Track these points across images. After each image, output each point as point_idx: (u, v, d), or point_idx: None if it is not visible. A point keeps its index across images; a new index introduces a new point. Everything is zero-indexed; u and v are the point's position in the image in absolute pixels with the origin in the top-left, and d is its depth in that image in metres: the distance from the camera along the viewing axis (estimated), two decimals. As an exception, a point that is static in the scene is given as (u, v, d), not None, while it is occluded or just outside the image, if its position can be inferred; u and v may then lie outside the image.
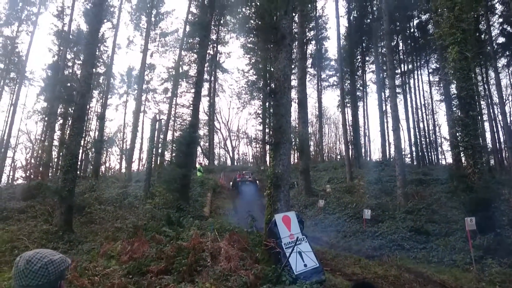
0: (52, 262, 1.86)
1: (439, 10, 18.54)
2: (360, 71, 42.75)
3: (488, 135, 30.27)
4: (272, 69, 38.54)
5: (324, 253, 12.78)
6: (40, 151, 36.74)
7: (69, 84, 31.12)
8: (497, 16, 30.55)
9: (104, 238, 11.63)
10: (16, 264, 1.84)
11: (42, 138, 38.68)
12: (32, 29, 34.48)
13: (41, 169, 27.51)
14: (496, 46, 30.58)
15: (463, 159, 19.26)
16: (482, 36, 30.31)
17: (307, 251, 7.88)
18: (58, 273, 1.88)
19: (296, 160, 36.69)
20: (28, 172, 22.84)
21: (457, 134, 16.38)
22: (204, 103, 42.83)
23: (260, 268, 7.52)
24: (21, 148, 44.15)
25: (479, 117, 24.16)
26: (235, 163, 53.81)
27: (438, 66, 33.66)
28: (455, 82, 16.41)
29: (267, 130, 43.59)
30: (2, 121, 36.41)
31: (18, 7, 34.43)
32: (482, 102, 29.36)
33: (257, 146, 53.59)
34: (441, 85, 31.69)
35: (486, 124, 30.60)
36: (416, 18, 37.03)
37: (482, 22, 29.71)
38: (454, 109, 17.75)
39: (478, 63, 28.50)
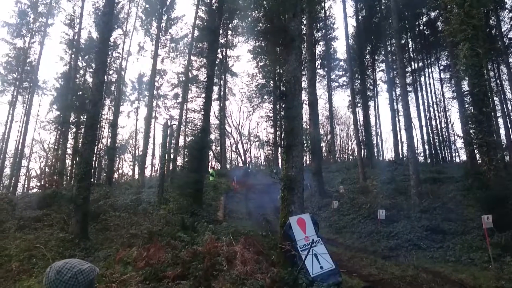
0: (82, 272, 1.90)
1: (449, 7, 18.39)
2: (370, 70, 42.47)
3: (502, 131, 29.82)
4: (281, 71, 38.59)
5: (339, 255, 12.73)
6: (54, 160, 37.13)
7: (81, 93, 31.48)
8: (507, 10, 30.20)
9: (119, 244, 11.68)
10: (47, 275, 1.89)
11: (56, 147, 39.06)
12: (42, 39, 35.04)
13: (55, 177, 27.75)
14: (507, 41, 30.20)
15: (477, 156, 19.04)
16: (493, 32, 30.00)
17: (322, 253, 7.85)
18: (88, 282, 1.93)
19: (308, 162, 36.62)
20: (43, 181, 23.14)
21: (471, 131, 16.21)
22: (214, 107, 42.94)
23: (276, 271, 7.51)
24: (35, 157, 44.91)
25: (493, 113, 23.87)
26: (247, 166, 53.90)
27: (449, 63, 33.26)
28: (467, 79, 16.27)
29: (278, 133, 43.54)
30: (16, 131, 36.89)
31: (30, 18, 34.95)
32: (495, 98, 29.01)
33: (269, 149, 53.57)
34: (453, 82, 31.32)
35: (500, 120, 30.20)
36: (425, 16, 36.69)
37: (492, 17, 29.42)
38: (467, 106, 17.54)
39: (489, 59, 28.19)
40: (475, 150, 17.91)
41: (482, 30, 17.19)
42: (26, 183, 39.89)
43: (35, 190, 26.49)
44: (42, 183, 22.68)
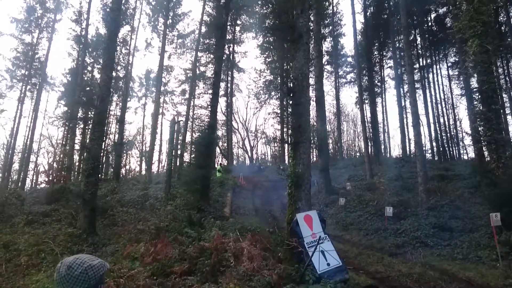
0: (92, 267, 1.92)
1: (458, 3, 18.26)
2: (377, 67, 42.34)
3: (511, 129, 29.60)
4: (289, 68, 38.58)
5: (346, 252, 12.73)
6: (62, 155, 37.33)
7: (88, 89, 31.61)
8: (517, 7, 29.87)
9: (127, 240, 11.75)
10: (58, 270, 1.91)
11: (64, 142, 39.29)
12: (50, 35, 35.22)
13: (63, 173, 27.92)
14: (517, 38, 29.91)
15: (486, 153, 18.92)
16: (502, 28, 29.72)
17: (329, 250, 7.85)
18: (98, 278, 1.95)
19: (315, 159, 36.60)
20: (51, 176, 23.24)
21: (479, 128, 16.10)
22: (221, 104, 42.99)
23: (283, 268, 7.53)
24: (43, 153, 45.16)
25: (502, 111, 23.68)
26: (259, 163, 54.10)
27: (457, 59, 33.08)
28: (475, 75, 16.16)
29: (285, 129, 43.56)
30: (25, 127, 37.14)
31: (38, 14, 35.11)
32: (504, 95, 28.75)
33: (276, 145, 53.58)
34: (461, 79, 31.15)
35: (509, 118, 29.89)
36: (434, 12, 36.48)
37: (502, 14, 29.14)
38: (476, 103, 17.44)
39: (499, 55, 27.94)
40: (484, 148, 17.81)
41: (491, 26, 17.07)
42: (34, 178, 40.26)
43: (43, 185, 26.68)
44: (50, 178, 22.75)
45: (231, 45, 44.53)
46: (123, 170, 43.50)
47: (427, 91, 37.13)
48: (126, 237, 12.40)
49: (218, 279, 7.23)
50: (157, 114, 35.35)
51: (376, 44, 40.79)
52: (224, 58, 31.97)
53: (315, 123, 24.80)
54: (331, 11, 41.39)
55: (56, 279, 1.91)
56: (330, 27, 43.10)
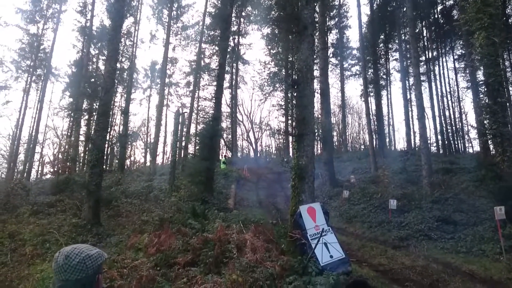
0: (90, 257, 1.92)
1: (465, -5, 18.10)
2: (383, 59, 42.14)
3: (517, 122, 29.38)
4: (293, 59, 38.44)
5: (349, 244, 12.75)
6: (67, 146, 37.44)
7: (93, 80, 31.61)
8: (525, -1, 29.55)
9: (131, 230, 11.80)
10: (56, 260, 1.90)
11: (69, 134, 39.38)
12: (55, 26, 35.17)
13: (68, 164, 28.00)
14: (524, 30, 29.60)
15: (491, 147, 18.84)
16: (510, 21, 29.43)
17: (332, 242, 7.86)
18: (96, 267, 1.94)
19: (319, 151, 36.59)
20: (56, 167, 23.30)
21: (485, 121, 16.02)
22: (226, 95, 42.96)
23: (286, 260, 7.54)
24: (48, 144, 45.19)
25: (508, 104, 23.54)
26: (265, 156, 54.23)
27: (463, 52, 32.83)
28: (482, 68, 16.05)
29: (290, 122, 43.50)
30: (30, 118, 37.19)
31: (44, 5, 35.02)
32: (510, 88, 28.55)
33: (280, 137, 53.52)
34: (467, 71, 30.93)
35: (515, 111, 29.74)
36: (440, 4, 36.15)
37: (509, 6, 28.85)
38: (481, 96, 17.35)
39: (505, 48, 27.70)
40: (489, 141, 17.73)
41: (498, 18, 16.89)
42: (39, 169, 40.39)
43: (48, 176, 26.77)
44: (56, 169, 22.81)
45: (236, 37, 44.41)
46: (127, 162, 43.64)
47: (433, 84, 36.93)
48: (130, 228, 12.46)
49: (221, 270, 7.26)
50: (162, 106, 35.38)
51: (382, 36, 40.59)
52: (228, 50, 31.85)
53: (319, 115, 24.75)
54: (337, 3, 41.19)
55: (54, 269, 1.91)
56: (336, 19, 42.84)
